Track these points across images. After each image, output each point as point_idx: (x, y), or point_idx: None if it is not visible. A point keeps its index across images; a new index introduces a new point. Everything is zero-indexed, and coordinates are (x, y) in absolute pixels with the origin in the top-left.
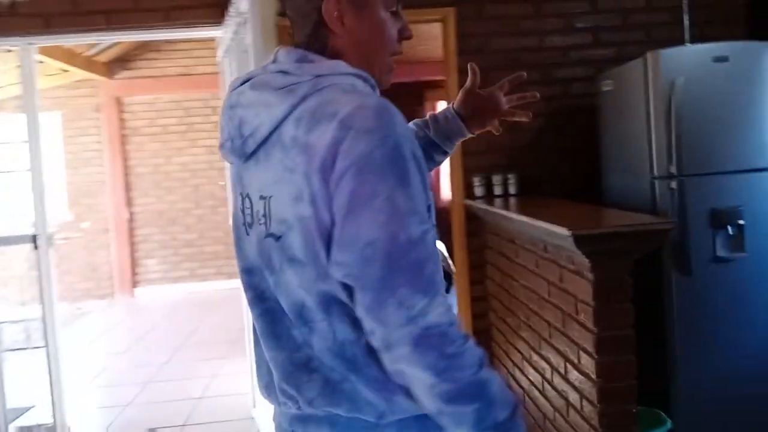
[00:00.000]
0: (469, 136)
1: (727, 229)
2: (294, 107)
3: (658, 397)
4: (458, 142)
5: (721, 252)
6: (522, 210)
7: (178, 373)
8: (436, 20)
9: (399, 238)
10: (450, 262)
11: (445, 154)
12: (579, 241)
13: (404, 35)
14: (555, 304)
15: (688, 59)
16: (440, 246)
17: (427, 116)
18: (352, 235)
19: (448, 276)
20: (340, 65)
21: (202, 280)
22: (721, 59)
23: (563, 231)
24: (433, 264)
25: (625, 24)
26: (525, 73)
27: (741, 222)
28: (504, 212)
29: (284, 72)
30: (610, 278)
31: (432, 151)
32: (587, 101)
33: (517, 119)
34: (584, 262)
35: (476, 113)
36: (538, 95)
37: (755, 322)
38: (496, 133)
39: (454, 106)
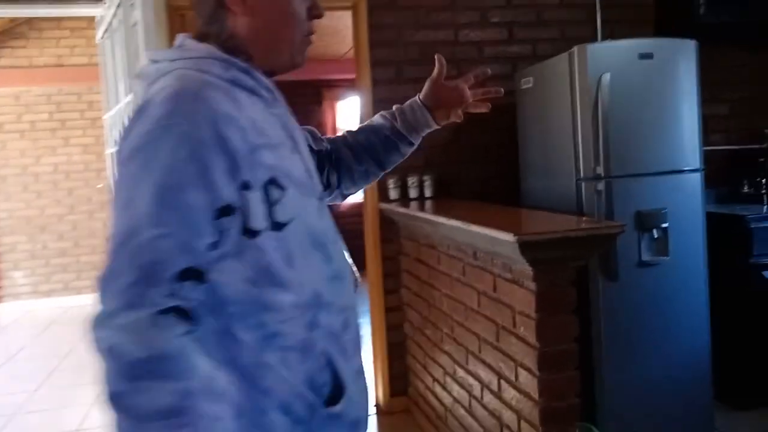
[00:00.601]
0: (435, 127)
1: (652, 233)
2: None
3: (582, 406)
4: (425, 134)
5: (646, 256)
6: (442, 212)
7: (51, 401)
8: (346, 8)
9: (125, 237)
10: (354, 269)
11: (411, 145)
12: (524, 247)
13: (314, 13)
14: (486, 315)
15: (614, 55)
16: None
17: (394, 108)
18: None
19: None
20: (202, 49)
21: (78, 294)
22: (646, 56)
23: (507, 236)
24: (144, 272)
25: (540, 20)
26: (489, 69)
27: (665, 225)
28: (431, 216)
29: (154, 61)
30: (553, 288)
31: (399, 143)
32: (504, 99)
33: (478, 111)
34: (526, 270)
35: (442, 104)
36: (502, 91)
37: (679, 326)
38: (458, 121)
39: (420, 97)
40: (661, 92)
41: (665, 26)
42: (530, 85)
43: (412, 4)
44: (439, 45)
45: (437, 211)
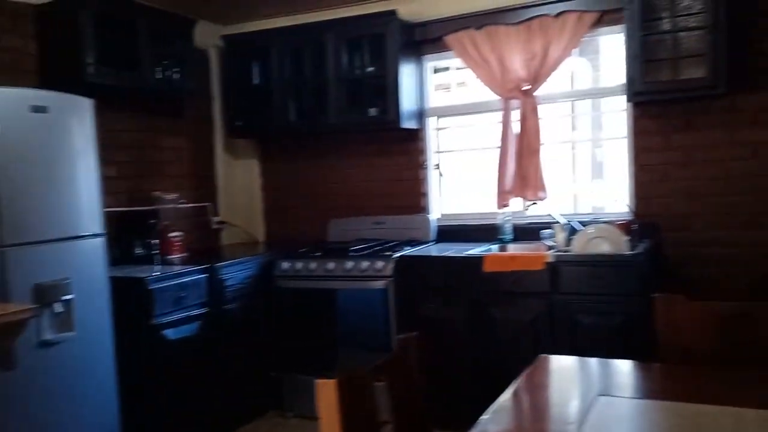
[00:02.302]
0: None
1: (53, 307)
2: None
3: None
4: None
5: (48, 334)
6: None
7: None
8: None
9: None
10: None
11: None
12: None
13: None
14: None
15: (2, 106)
16: None
17: None
18: None
19: None
20: None
21: None
22: (40, 109)
23: None
24: None
25: None
26: None
27: (69, 297)
28: None
29: None
30: None
31: None
32: None
33: None
34: None
35: None
36: None
37: (87, 404)
38: None
39: None
40: (58, 150)
41: (52, 80)
42: None
43: None
44: None
45: None
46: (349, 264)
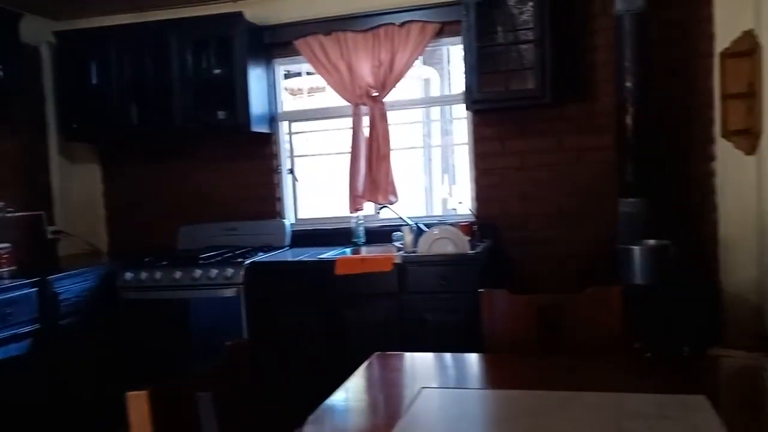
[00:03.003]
0: None
1: None
2: None
3: None
4: None
5: None
6: None
7: None
8: None
9: None
10: None
11: None
12: None
13: None
14: None
15: None
16: None
17: None
18: None
19: None
20: None
21: None
22: None
23: None
24: None
25: None
26: None
27: None
28: None
29: None
30: None
31: None
32: None
33: None
34: None
35: None
36: None
37: None
38: None
39: None
40: None
41: None
42: None
43: None
44: None
45: None
46: (198, 272)
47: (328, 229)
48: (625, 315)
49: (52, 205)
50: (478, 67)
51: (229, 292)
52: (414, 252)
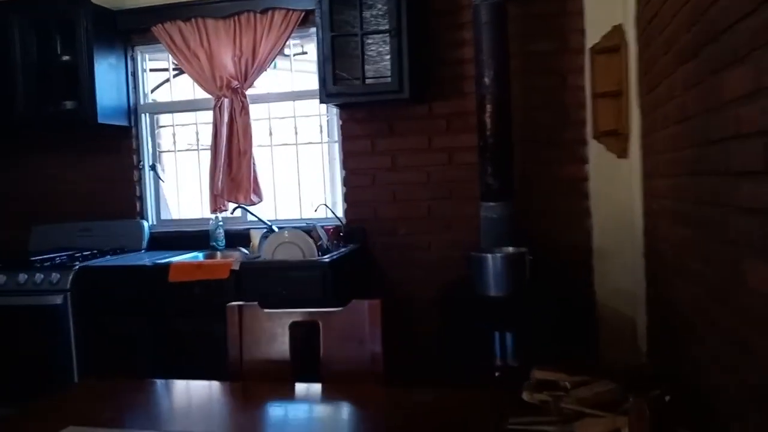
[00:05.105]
0: None
1: None
2: None
3: None
4: None
5: None
6: None
7: None
8: None
9: None
10: None
11: None
12: None
13: None
14: None
15: None
16: None
17: None
18: None
19: None
20: None
21: None
22: None
23: None
24: None
25: None
26: None
27: None
28: None
29: None
30: None
31: None
32: None
33: None
34: None
35: None
36: None
37: None
38: None
39: None
40: None
41: None
42: None
43: None
44: None
45: None
46: (23, 277)
47: (189, 231)
48: (387, 334)
49: None
50: (332, 58)
51: (55, 299)
52: (257, 257)
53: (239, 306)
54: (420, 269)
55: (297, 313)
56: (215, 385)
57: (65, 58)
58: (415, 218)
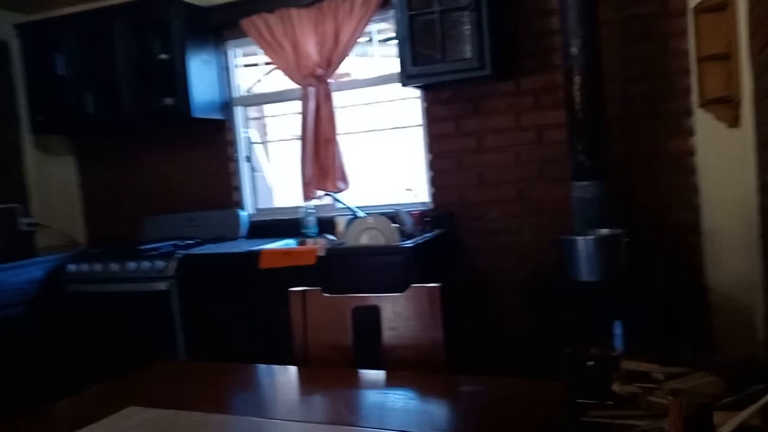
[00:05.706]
0: None
1: None
2: None
3: None
4: None
5: None
6: None
7: None
8: None
9: None
10: None
11: None
12: None
13: None
14: None
15: None
16: None
17: None
18: None
19: None
20: None
21: None
22: None
23: None
24: None
25: None
26: None
27: None
28: None
29: None
30: None
31: None
32: None
33: None
34: None
35: None
36: None
37: None
38: None
39: None
40: None
41: None
42: None
43: None
44: None
45: None
46: (132, 265)
47: (285, 219)
48: (447, 321)
49: (28, 198)
50: (410, 38)
51: (161, 286)
52: (342, 244)
53: (302, 291)
54: (510, 255)
55: (358, 298)
56: (281, 369)
57: (162, 56)
58: (504, 201)
